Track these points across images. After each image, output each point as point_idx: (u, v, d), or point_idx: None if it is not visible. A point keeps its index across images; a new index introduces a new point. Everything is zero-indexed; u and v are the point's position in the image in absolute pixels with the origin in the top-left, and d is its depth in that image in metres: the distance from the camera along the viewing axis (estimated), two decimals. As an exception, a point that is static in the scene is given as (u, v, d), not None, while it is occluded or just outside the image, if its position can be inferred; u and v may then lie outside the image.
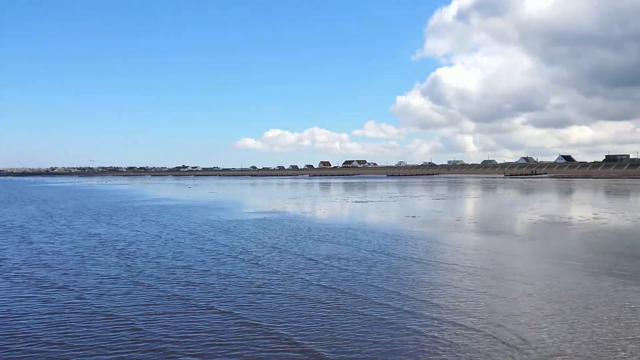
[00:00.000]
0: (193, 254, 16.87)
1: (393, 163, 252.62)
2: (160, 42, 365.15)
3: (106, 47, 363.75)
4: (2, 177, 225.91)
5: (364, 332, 8.84)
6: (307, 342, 8.43)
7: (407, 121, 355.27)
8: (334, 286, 12.08)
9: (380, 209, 35.55)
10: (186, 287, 12.16)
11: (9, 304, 10.74)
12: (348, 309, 10.18)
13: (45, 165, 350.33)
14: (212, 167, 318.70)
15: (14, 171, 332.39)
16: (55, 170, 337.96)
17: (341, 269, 14.13)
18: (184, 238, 20.66)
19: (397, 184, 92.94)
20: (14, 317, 9.86)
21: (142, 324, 9.37)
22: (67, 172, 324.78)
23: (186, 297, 11.21)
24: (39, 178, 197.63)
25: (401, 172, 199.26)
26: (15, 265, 14.99)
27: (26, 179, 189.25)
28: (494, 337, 8.46)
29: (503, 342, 8.23)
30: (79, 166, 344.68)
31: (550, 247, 17.97)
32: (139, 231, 23.19)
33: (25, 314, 10.04)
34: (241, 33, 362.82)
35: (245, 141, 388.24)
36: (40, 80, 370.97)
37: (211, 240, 20.07)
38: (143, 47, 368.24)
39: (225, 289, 11.92)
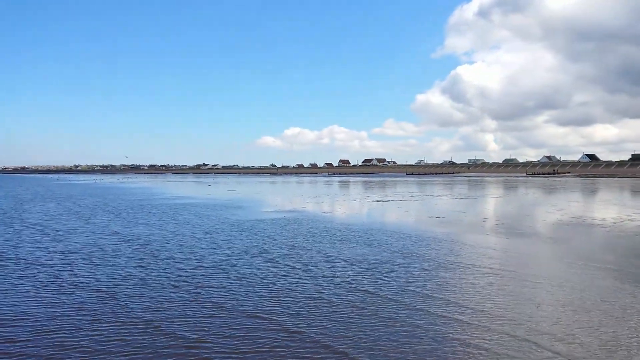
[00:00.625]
0: (211, 253, 16.37)
1: (413, 161, 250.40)
2: (182, 41, 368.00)
3: (128, 47, 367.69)
4: (27, 175, 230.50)
5: (390, 335, 8.22)
6: (333, 343, 7.90)
7: (427, 119, 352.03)
8: (359, 288, 11.43)
9: (401, 208, 34.73)
10: (206, 288, 11.63)
11: (18, 305, 10.34)
12: (373, 311, 9.54)
13: (69, 163, 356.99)
14: (232, 165, 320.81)
15: (39, 168, 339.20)
16: (79, 168, 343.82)
17: (364, 270, 13.46)
18: (201, 237, 20.21)
19: (418, 182, 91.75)
20: (21, 318, 9.44)
21: (159, 323, 8.86)
22: (90, 170, 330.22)
23: (211, 299, 10.68)
24: (62, 175, 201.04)
25: (421, 170, 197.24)
26: (28, 264, 14.67)
27: (50, 176, 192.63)
28: (527, 344, 7.72)
29: (537, 351, 7.49)
30: (101, 164, 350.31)
31: (584, 251, 17.01)
32: (156, 230, 22.84)
33: (33, 315, 9.61)
34: (261, 31, 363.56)
35: (265, 139, 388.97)
36: (65, 80, 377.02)
37: (228, 240, 19.57)
38: (166, 46, 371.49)
39: (246, 290, 11.37)
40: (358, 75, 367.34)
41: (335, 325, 9.07)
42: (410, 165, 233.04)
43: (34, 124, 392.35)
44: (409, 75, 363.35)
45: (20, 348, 8.07)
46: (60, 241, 19.40)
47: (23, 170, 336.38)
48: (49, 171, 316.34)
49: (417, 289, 11.54)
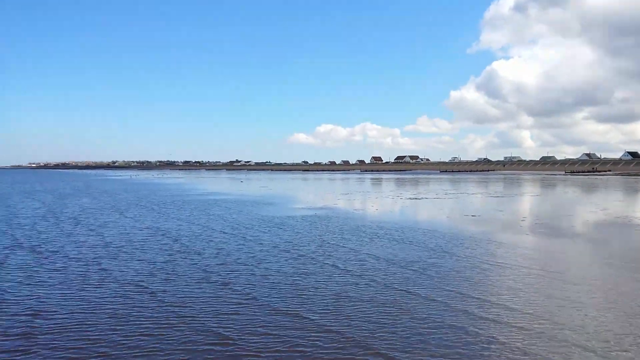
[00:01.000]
0: (239, 249, 16.17)
1: (446, 159, 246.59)
2: (215, 36, 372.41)
3: (168, 40, 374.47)
4: (67, 170, 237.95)
5: (425, 335, 7.75)
6: (366, 342, 7.48)
7: (462, 116, 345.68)
8: (391, 286, 10.96)
9: (436, 206, 33.90)
10: (233, 284, 11.40)
11: (45, 298, 10.31)
12: (406, 310, 9.06)
13: (107, 159, 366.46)
14: (264, 161, 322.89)
15: (79, 164, 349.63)
16: (116, 164, 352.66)
17: (396, 268, 12.96)
18: (230, 233, 20.06)
19: (451, 180, 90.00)
20: (47, 311, 9.37)
21: (186, 317, 8.63)
22: (127, 166, 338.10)
23: (237, 295, 10.43)
24: (100, 171, 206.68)
25: (455, 168, 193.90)
26: (59, 258, 14.77)
27: (88, 171, 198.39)
28: (573, 350, 7.13)
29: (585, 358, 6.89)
30: (137, 160, 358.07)
31: (632, 253, 16.05)
32: (187, 224, 22.86)
33: (59, 308, 9.54)
34: (293, 27, 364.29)
35: (297, 136, 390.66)
36: (104, 77, 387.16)
37: (257, 236, 19.35)
38: (200, 41, 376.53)
39: (272, 287, 11.06)
40: (391, 72, 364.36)
41: (365, 324, 8.67)
42: (444, 163, 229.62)
43: (74, 121, 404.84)
44: (443, 71, 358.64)
45: (44, 341, 7.95)
46: (93, 235, 19.59)
47: (64, 166, 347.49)
48: (87, 167, 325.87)
49: (451, 289, 10.98)
